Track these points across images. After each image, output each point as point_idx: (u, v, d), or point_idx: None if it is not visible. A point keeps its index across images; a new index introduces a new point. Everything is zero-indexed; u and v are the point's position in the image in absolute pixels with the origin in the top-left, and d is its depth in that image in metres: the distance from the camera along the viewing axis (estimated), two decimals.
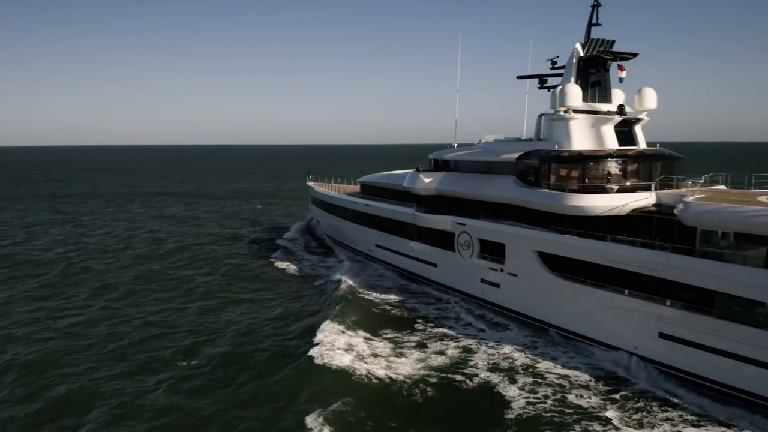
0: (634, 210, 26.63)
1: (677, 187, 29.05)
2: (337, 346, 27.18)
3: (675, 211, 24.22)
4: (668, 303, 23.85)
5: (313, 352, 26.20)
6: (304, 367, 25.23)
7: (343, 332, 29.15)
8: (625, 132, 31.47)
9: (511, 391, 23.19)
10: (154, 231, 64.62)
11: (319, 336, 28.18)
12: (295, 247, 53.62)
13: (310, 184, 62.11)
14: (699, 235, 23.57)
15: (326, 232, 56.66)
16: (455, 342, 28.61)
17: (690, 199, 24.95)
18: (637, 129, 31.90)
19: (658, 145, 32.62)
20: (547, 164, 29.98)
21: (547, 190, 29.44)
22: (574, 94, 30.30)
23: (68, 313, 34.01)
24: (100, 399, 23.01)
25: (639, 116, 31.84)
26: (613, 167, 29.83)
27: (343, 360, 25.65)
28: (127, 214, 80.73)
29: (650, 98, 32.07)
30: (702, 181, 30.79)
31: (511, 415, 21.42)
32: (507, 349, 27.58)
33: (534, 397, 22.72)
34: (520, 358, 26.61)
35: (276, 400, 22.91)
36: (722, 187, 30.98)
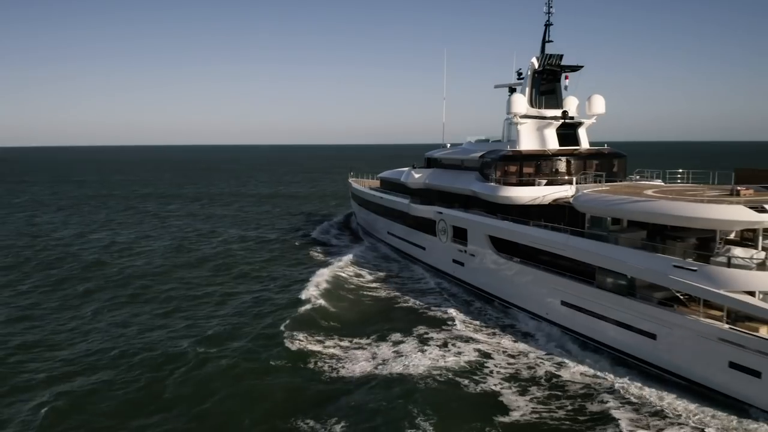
0: (554, 200, 31.79)
1: (620, 181, 34.17)
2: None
3: (570, 201, 29.39)
4: (566, 276, 29.00)
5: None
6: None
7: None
8: (570, 134, 36.34)
9: (433, 347, 29.10)
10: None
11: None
12: (327, 235, 60.88)
13: (350, 180, 69.27)
14: (587, 220, 28.63)
15: (359, 223, 63.67)
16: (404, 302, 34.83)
17: (585, 191, 29.97)
18: (581, 131, 36.63)
19: (606, 145, 37.22)
20: (495, 162, 35.53)
21: (491, 184, 35.02)
22: (519, 102, 35.63)
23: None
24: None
25: (581, 120, 36.58)
26: (560, 164, 35.01)
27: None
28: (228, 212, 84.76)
29: (598, 104, 36.72)
30: (637, 177, 35.26)
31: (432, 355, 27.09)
32: (452, 311, 33.40)
33: (456, 352, 27.96)
34: (459, 320, 32.24)
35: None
36: (659, 181, 35.28)
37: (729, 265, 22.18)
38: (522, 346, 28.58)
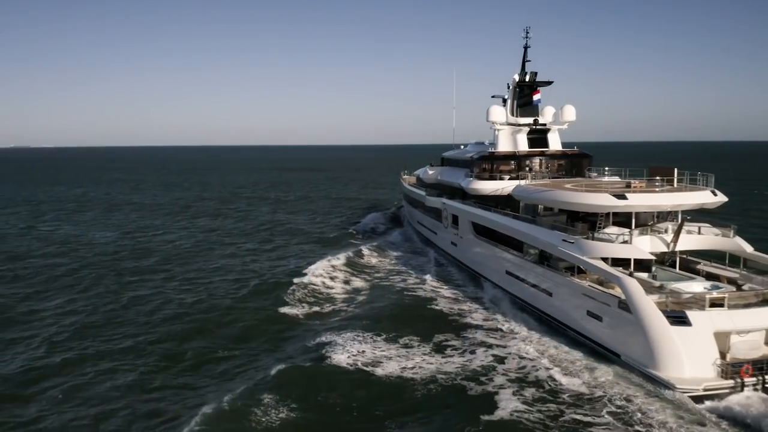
0: (510, 192, 39.51)
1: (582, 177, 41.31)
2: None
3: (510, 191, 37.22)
4: (509, 251, 36.78)
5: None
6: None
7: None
8: (541, 138, 43.66)
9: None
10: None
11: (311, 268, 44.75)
12: (374, 225, 70.72)
13: (403, 177, 78.51)
14: (521, 207, 36.33)
15: (405, 215, 72.88)
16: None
17: (521, 184, 37.57)
18: (550, 135, 43.76)
19: (575, 146, 44.14)
20: (474, 161, 43.65)
21: (469, 178, 43.16)
22: (496, 112, 43.51)
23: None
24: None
25: (551, 126, 43.73)
26: (534, 163, 42.60)
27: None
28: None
29: (569, 113, 43.78)
30: (595, 174, 41.98)
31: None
32: (428, 278, 42.02)
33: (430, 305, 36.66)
34: (443, 290, 40.46)
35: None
36: (616, 177, 41.76)
37: (593, 239, 29.44)
38: (470, 306, 36.56)
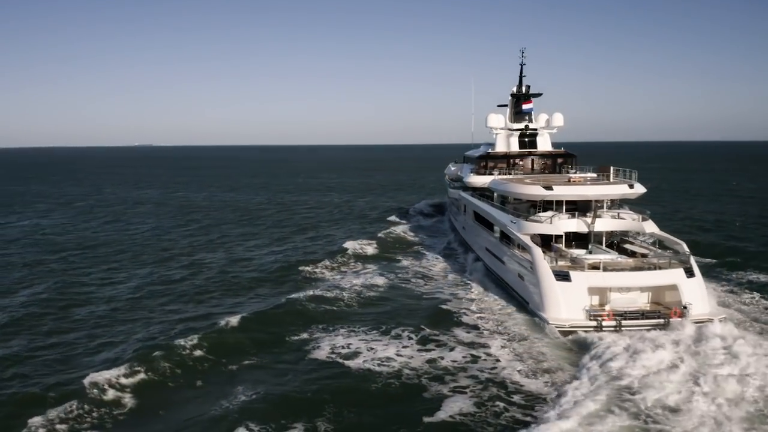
0: None
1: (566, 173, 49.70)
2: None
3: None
4: (488, 231, 46.15)
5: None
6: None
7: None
8: (531, 141, 52.34)
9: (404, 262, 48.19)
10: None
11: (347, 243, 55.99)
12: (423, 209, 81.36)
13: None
14: (494, 196, 45.62)
15: (447, 204, 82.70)
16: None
17: (496, 178, 46.65)
18: (539, 139, 52.28)
19: (562, 148, 52.42)
20: (475, 159, 53.09)
21: (468, 173, 52.67)
22: (494, 119, 52.60)
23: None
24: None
25: (540, 131, 52.24)
26: (526, 162, 51.56)
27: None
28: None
29: (558, 119, 52.17)
30: (573, 171, 50.19)
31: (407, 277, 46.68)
32: (431, 257, 52.03)
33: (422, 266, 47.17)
34: (438, 263, 50.59)
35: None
36: (593, 174, 49.73)
37: (527, 220, 38.50)
38: (455, 278, 46.18)
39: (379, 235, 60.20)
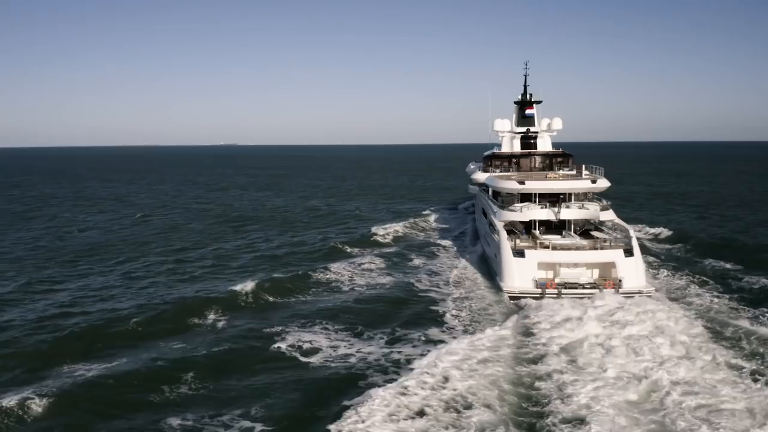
0: None
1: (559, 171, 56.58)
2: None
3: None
4: (485, 221, 53.69)
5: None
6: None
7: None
8: (531, 142, 59.33)
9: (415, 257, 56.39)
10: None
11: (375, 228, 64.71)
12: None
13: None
14: (489, 191, 53.15)
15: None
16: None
17: (492, 175, 54.01)
18: (539, 140, 59.13)
19: (560, 148, 59.04)
20: (483, 158, 60.66)
21: (475, 171, 60.27)
22: (498, 123, 59.97)
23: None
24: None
25: (539, 134, 59.06)
26: (525, 161, 58.76)
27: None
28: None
29: (557, 123, 58.98)
30: (566, 169, 56.81)
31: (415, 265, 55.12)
32: (447, 244, 59.97)
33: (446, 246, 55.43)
34: (451, 248, 58.45)
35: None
36: (572, 172, 56.16)
37: (504, 209, 45.96)
38: (458, 262, 53.97)
39: (405, 225, 68.56)
